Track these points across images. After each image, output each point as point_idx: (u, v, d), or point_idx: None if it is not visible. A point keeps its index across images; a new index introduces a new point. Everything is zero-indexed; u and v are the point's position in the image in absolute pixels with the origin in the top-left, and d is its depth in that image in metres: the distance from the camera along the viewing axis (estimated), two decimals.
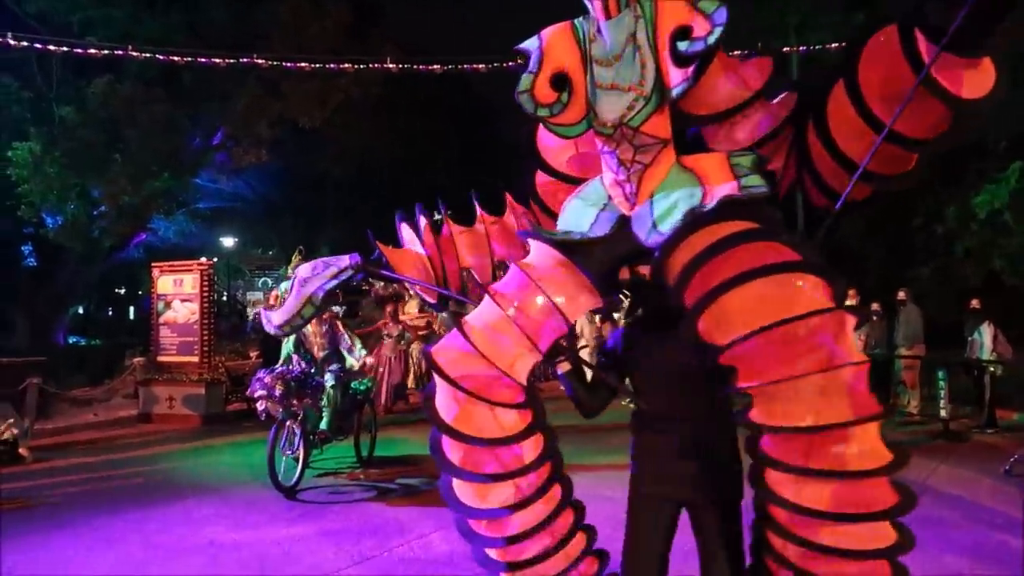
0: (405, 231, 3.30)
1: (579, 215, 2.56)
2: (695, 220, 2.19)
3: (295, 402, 6.94)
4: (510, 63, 10.00)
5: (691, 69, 2.17)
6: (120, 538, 5.65)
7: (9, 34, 9.50)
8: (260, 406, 6.98)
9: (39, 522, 6.15)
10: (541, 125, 2.61)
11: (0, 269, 18.22)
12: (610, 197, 2.51)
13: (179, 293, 11.78)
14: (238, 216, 22.90)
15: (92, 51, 10.75)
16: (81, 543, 5.55)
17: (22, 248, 18.12)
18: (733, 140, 2.51)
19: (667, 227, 2.26)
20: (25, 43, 9.76)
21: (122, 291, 32.90)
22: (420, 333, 13.50)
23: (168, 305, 11.86)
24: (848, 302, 8.29)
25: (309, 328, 7.43)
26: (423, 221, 3.24)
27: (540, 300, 2.42)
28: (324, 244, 28.52)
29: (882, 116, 2.21)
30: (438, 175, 28.57)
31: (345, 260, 3.18)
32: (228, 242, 26.07)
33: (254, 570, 4.87)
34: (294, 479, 6.88)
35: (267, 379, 6.91)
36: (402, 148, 25.85)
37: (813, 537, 2.17)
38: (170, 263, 12.40)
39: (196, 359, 11.44)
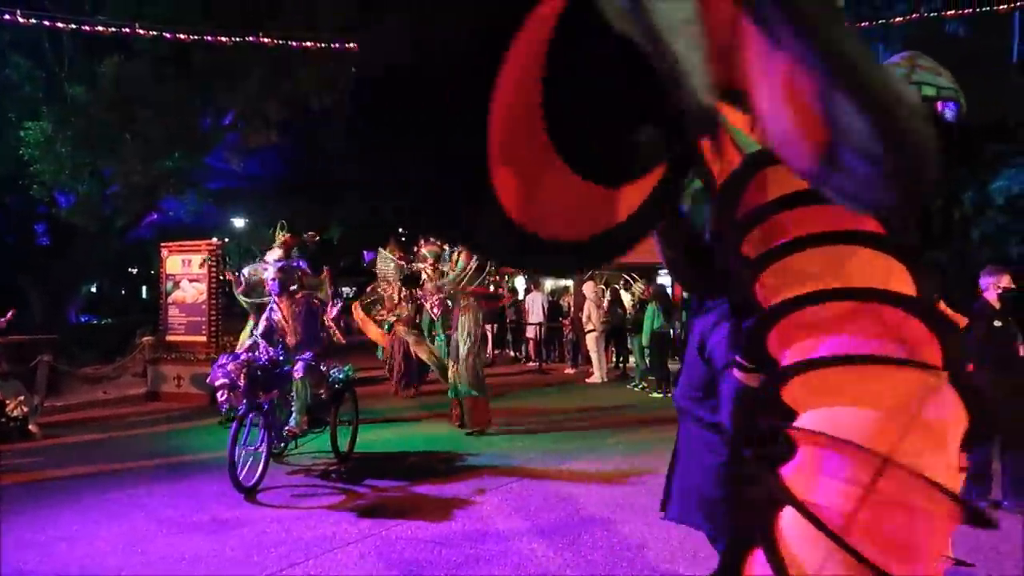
0: None
1: None
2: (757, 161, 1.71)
3: (261, 394, 6.29)
4: None
5: None
6: (125, 513, 5.71)
7: (18, 11, 9.49)
8: (221, 396, 6.27)
9: (47, 497, 6.24)
10: None
11: (14, 247, 18.39)
12: None
13: (187, 273, 11.82)
14: (250, 196, 22.94)
15: (100, 29, 10.72)
16: (88, 517, 5.62)
17: (36, 227, 18.26)
18: None
19: None
20: (34, 20, 9.74)
21: (135, 271, 33.16)
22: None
23: (177, 285, 11.92)
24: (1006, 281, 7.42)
25: (279, 312, 6.88)
26: None
27: None
28: (336, 223, 28.60)
29: None
30: None
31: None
32: (240, 222, 26.16)
33: (254, 547, 4.91)
34: (254, 479, 6.12)
35: (230, 366, 6.18)
36: None
37: None
38: (179, 243, 12.45)
39: (204, 339, 11.51)
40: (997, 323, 5.62)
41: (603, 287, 14.16)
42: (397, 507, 5.79)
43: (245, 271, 9.75)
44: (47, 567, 4.62)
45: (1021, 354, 5.71)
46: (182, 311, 11.85)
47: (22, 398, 8.98)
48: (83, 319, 20.48)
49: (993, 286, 5.69)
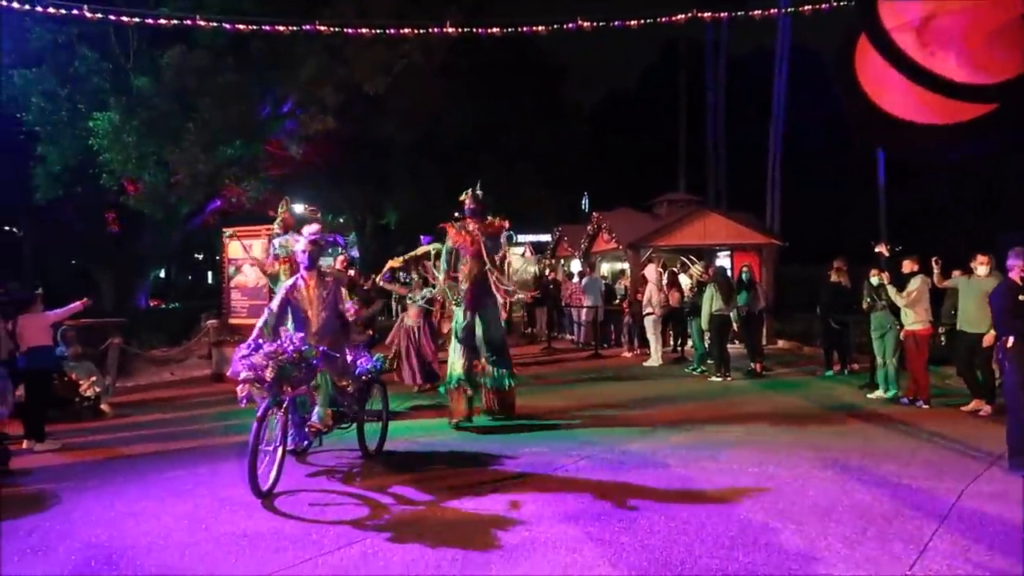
0: None
1: None
2: None
3: (288, 389, 5.65)
4: (571, 24, 9.77)
5: None
6: (190, 491, 5.88)
7: (85, 6, 9.78)
8: (242, 391, 5.68)
9: (116, 473, 6.48)
10: None
11: (86, 235, 19.13)
12: None
13: (248, 258, 12.09)
14: (307, 182, 23.35)
15: (163, 21, 10.98)
16: (154, 493, 5.81)
17: (105, 215, 18.94)
18: None
19: None
20: (100, 15, 10.02)
21: (200, 257, 34.21)
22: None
23: (238, 269, 12.22)
24: (911, 268, 7.76)
25: (302, 290, 6.20)
26: None
27: None
28: (391, 208, 28.92)
29: None
30: (501, 136, 28.45)
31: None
32: (298, 208, 26.66)
33: (312, 526, 4.99)
34: (268, 482, 5.53)
35: (256, 358, 5.49)
36: (466, 111, 25.84)
37: None
38: (239, 228, 12.74)
39: None
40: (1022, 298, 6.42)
41: (660, 270, 13.95)
42: (436, 503, 5.80)
43: (276, 243, 9.04)
44: (117, 542, 4.78)
45: None
46: (244, 295, 12.15)
47: (95, 379, 9.35)
48: (151, 304, 21.20)
49: (1019, 267, 6.57)
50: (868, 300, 9.71)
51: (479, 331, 8.35)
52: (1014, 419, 6.10)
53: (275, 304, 6.17)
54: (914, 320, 8.92)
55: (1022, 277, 6.55)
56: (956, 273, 9.11)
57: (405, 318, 10.59)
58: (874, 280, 9.64)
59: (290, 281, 6.40)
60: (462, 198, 8.55)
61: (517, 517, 5.07)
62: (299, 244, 6.45)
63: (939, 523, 4.82)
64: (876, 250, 10.13)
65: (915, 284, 8.94)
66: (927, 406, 8.74)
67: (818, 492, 5.52)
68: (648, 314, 13.06)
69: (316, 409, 6.12)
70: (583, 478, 6.04)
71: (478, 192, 8.45)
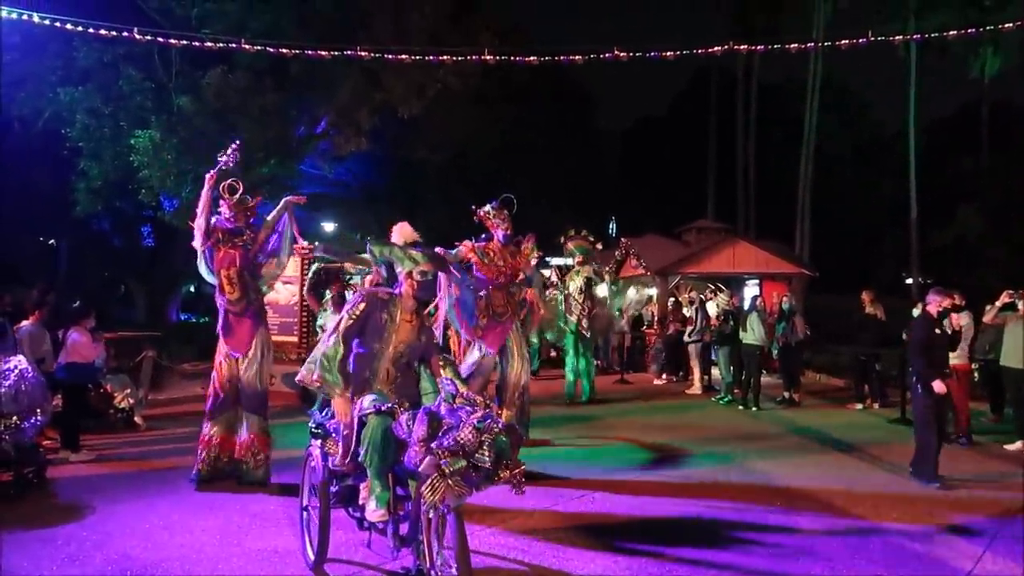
0: None
1: None
2: None
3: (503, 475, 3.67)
4: (606, 54, 9.88)
5: None
6: (221, 505, 5.96)
7: (135, 29, 10.09)
8: (440, 492, 3.47)
9: (149, 484, 6.58)
10: None
11: (123, 249, 19.55)
12: None
13: (281, 275, 12.24)
14: (339, 202, 23.66)
15: (208, 43, 11.29)
16: (185, 506, 5.90)
17: (142, 229, 19.34)
18: None
19: None
20: (148, 37, 10.35)
21: None
22: None
23: (270, 287, 12.35)
24: (948, 302, 7.65)
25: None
26: None
27: None
28: (420, 229, 29.17)
29: None
30: (532, 160, 28.62)
31: None
32: (329, 227, 26.98)
33: (342, 542, 5.03)
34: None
35: (463, 434, 3.51)
36: (498, 135, 26.08)
37: None
38: None
39: (295, 339, 11.93)
40: None
41: (690, 297, 13.97)
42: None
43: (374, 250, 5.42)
44: (151, 553, 4.86)
45: None
46: (276, 312, 12.28)
47: (128, 391, 9.52)
48: (182, 317, 21.54)
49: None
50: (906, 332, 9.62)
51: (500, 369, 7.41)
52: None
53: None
54: (956, 355, 8.80)
55: None
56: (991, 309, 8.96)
57: None
58: (916, 312, 9.54)
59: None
60: (490, 214, 7.42)
61: None
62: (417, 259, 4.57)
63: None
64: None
65: (965, 320, 8.89)
66: (967, 443, 8.60)
67: None
68: (693, 341, 12.99)
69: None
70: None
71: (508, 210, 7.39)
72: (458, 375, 4.31)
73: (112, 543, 5.04)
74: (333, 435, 4.31)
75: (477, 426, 3.54)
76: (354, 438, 4.10)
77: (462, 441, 3.50)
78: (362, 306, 4.34)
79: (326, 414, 4.47)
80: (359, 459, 4.05)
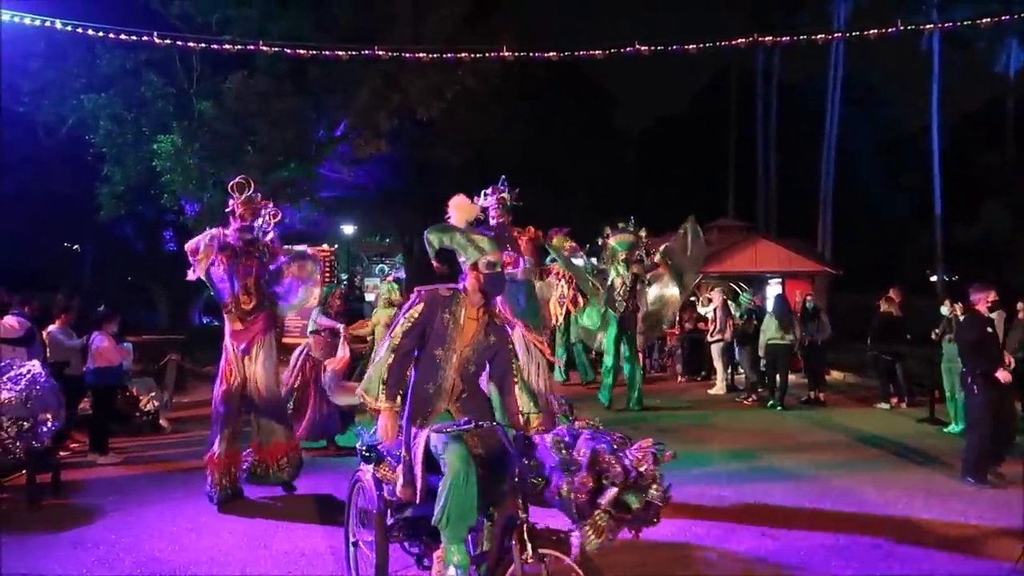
0: None
1: None
2: None
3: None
4: (628, 48, 9.79)
5: None
6: (246, 507, 5.98)
7: (155, 33, 10.17)
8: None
9: (176, 487, 6.62)
10: None
11: (146, 253, 19.73)
12: None
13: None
14: (358, 204, 23.70)
15: (228, 47, 11.35)
16: (211, 509, 5.91)
17: (164, 233, 19.49)
18: None
19: None
20: (168, 42, 10.42)
21: None
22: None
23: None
24: (993, 296, 7.47)
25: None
26: None
27: None
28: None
29: None
30: (552, 160, 28.54)
31: None
32: (348, 229, 27.08)
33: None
34: None
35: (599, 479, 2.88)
36: (517, 135, 26.02)
37: None
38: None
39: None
40: None
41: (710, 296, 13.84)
42: None
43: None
44: (179, 556, 4.87)
45: None
46: (296, 314, 12.30)
47: (153, 394, 9.59)
48: (204, 321, 21.70)
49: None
50: (939, 330, 9.49)
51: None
52: None
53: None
54: None
55: None
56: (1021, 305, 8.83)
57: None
58: (944, 310, 9.39)
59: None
60: (484, 203, 6.79)
61: None
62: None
63: None
64: None
65: (997, 318, 8.74)
66: None
67: None
68: (715, 341, 12.83)
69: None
70: None
71: (505, 195, 7.03)
72: (534, 395, 3.72)
73: (141, 546, 5.06)
74: (388, 459, 3.64)
75: (613, 452, 2.88)
76: (417, 466, 3.48)
77: (645, 473, 2.86)
78: (420, 307, 3.60)
79: (375, 434, 3.73)
80: (433, 518, 3.26)
